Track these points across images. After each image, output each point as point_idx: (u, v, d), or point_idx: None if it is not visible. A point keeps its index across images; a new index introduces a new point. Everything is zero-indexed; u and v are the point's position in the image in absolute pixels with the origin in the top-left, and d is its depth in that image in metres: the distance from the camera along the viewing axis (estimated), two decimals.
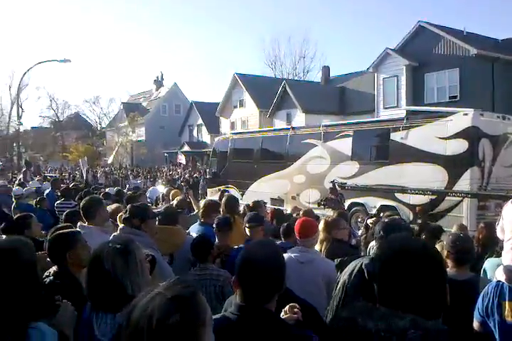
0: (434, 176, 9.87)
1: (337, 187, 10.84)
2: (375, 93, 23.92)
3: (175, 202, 6.34)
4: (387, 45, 24.36)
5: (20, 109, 26.62)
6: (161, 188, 12.96)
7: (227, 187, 15.76)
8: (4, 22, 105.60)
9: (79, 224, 3.85)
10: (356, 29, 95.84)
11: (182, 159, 33.17)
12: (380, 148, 11.89)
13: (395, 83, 22.79)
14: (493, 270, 3.75)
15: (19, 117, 26.41)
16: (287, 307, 2.03)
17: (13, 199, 8.40)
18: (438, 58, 21.15)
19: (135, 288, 1.92)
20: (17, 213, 6.09)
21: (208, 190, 17.22)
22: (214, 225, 4.28)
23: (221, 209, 5.36)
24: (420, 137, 10.45)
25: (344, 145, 12.25)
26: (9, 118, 49.06)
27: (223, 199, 6.00)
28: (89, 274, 2.05)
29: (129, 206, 3.56)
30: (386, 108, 22.87)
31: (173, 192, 8.60)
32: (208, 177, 18.82)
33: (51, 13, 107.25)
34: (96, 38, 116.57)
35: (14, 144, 39.10)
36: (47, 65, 28.06)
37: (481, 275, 3.62)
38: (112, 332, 1.92)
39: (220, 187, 16.06)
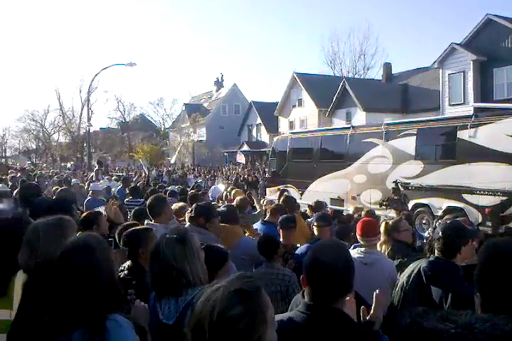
0: (505, 176, 9.35)
1: (400, 187, 10.56)
2: (440, 90, 22.99)
3: (236, 201, 6.44)
4: (452, 39, 23.39)
5: (90, 111, 28.04)
6: (222, 187, 13.22)
7: (286, 187, 15.78)
8: (74, 30, 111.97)
9: (146, 222, 4.02)
10: (419, 24, 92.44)
11: (241, 159, 33.56)
12: (446, 146, 11.43)
13: (462, 79, 21.78)
14: None
15: (89, 119, 27.89)
16: (363, 307, 2.04)
17: (89, 195, 8.88)
18: (508, 52, 19.97)
19: (194, 274, 2.08)
20: (88, 209, 6.44)
21: (266, 189, 17.34)
22: (278, 224, 4.32)
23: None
24: (489, 135, 9.94)
25: (407, 144, 11.89)
26: (80, 119, 52.08)
27: (281, 199, 6.05)
28: (151, 264, 2.19)
29: (194, 205, 3.68)
30: (452, 105, 21.92)
31: (234, 191, 8.73)
32: (267, 176, 18.94)
33: (117, 19, 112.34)
34: (159, 42, 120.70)
35: (84, 145, 41.35)
36: (114, 69, 29.43)
37: None
38: (175, 316, 2.03)
39: (279, 187, 16.12)
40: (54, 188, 8.98)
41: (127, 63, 23.41)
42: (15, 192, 8.00)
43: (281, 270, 3.54)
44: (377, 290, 2.15)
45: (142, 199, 8.55)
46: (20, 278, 2.51)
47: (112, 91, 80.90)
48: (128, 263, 2.97)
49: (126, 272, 2.92)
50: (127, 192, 9.58)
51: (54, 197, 5.21)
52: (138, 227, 3.09)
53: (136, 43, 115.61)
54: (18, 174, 16.79)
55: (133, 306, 2.17)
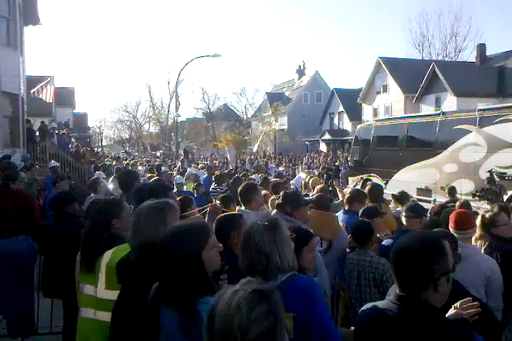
0: None
1: (495, 177, 9.86)
2: None
3: (315, 190, 6.40)
4: None
5: (177, 102, 29.23)
6: (303, 176, 13.22)
7: (370, 176, 15.39)
8: (161, 22, 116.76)
9: (237, 208, 4.16)
10: None
11: (323, 147, 33.23)
12: None
13: None
14: None
15: (177, 109, 29.08)
16: (458, 303, 1.95)
17: (175, 187, 9.34)
18: None
19: (283, 259, 2.15)
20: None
21: (349, 178, 17.04)
22: (361, 213, 4.26)
23: (365, 200, 5.30)
24: None
25: (504, 131, 11.01)
26: (168, 110, 54.57)
27: (367, 188, 5.92)
28: (242, 249, 2.27)
29: (282, 192, 3.74)
30: None
31: (312, 179, 8.64)
32: (350, 165, 18.59)
33: (201, 11, 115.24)
34: (241, 32, 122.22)
35: (172, 134, 43.30)
36: (199, 60, 30.31)
37: None
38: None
39: (362, 176, 15.77)
40: (148, 175, 9.52)
41: (212, 54, 24.03)
42: (111, 178, 8.65)
43: (375, 257, 3.52)
44: (465, 299, 2.02)
45: (225, 187, 8.83)
46: (106, 259, 2.75)
47: (197, 83, 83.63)
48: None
49: None
50: (213, 179, 9.91)
51: (152, 184, 5.55)
52: (230, 213, 3.22)
53: (220, 34, 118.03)
54: (114, 162, 18.05)
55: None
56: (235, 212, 3.82)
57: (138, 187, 4.14)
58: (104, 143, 66.71)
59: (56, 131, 18.62)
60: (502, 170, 10.41)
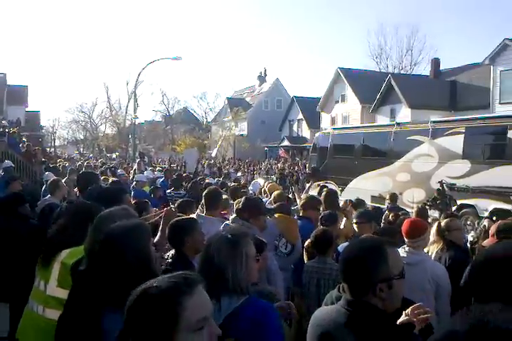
0: None
1: (445, 187, 10.27)
2: (491, 87, 22.10)
3: (273, 196, 6.42)
4: (505, 35, 22.26)
5: (136, 103, 28.69)
6: (261, 181, 13.27)
7: (327, 183, 15.65)
8: (122, 23, 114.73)
9: (197, 213, 4.11)
10: (470, 18, 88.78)
11: (283, 154, 33.54)
12: (495, 146, 11.01)
13: None
14: None
15: (135, 111, 28.55)
16: (409, 309, 1.99)
17: (133, 186, 9.16)
18: None
19: (234, 279, 1.96)
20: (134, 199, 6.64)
21: (306, 185, 17.25)
22: (320, 220, 4.32)
23: (320, 208, 5.36)
24: None
25: (455, 142, 11.52)
26: (126, 112, 53.48)
27: (323, 194, 6.01)
28: (200, 258, 2.22)
29: (243, 198, 3.74)
30: (503, 103, 21.03)
31: (269, 185, 8.67)
32: (307, 172, 18.84)
33: (163, 14, 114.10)
34: (204, 36, 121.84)
35: (129, 136, 42.42)
36: (160, 63, 29.95)
37: None
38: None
39: (319, 183, 16.01)
40: (102, 178, 9.28)
41: (173, 57, 23.80)
42: (64, 180, 8.36)
43: (334, 265, 3.55)
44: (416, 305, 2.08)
45: (183, 192, 8.74)
46: (62, 256, 2.71)
47: (157, 85, 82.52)
48: (172, 252, 3.06)
49: (170, 261, 3.00)
50: (170, 183, 9.78)
51: (107, 187, 5.40)
52: (184, 217, 3.18)
53: (181, 37, 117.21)
54: (67, 163, 17.46)
55: None
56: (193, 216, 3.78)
57: (93, 190, 4.02)
58: (57, 144, 64.62)
59: (6, 130, 17.84)
60: (452, 181, 10.85)
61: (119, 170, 13.37)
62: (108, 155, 44.79)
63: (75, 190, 5.63)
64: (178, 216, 3.66)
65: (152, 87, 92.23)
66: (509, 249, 1.42)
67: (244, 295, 1.98)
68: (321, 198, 5.71)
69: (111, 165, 17.39)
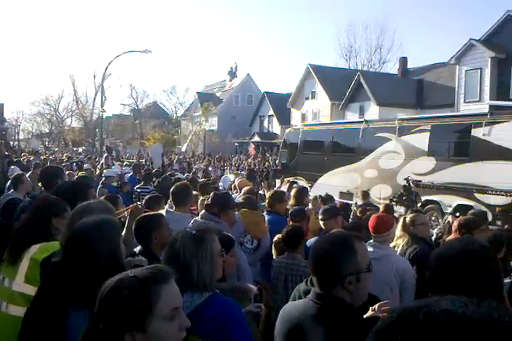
0: None
1: (411, 184, 10.51)
2: (456, 86, 22.70)
3: (243, 191, 6.43)
4: (470, 35, 22.87)
5: (103, 97, 28.09)
6: (231, 177, 13.26)
7: (296, 179, 15.79)
8: (91, 14, 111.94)
9: (166, 209, 4.05)
10: (437, 19, 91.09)
11: (253, 149, 33.57)
12: (459, 144, 11.32)
13: (479, 76, 21.45)
14: None
15: (102, 105, 27.95)
16: (376, 305, 2.02)
17: (102, 181, 8.96)
18: None
19: (198, 275, 1.97)
20: (103, 194, 6.51)
21: (276, 180, 17.34)
22: (290, 215, 4.34)
23: (287, 199, 5.40)
24: (504, 134, 9.81)
25: (420, 140, 11.80)
26: (93, 105, 52.35)
27: (293, 191, 6.05)
28: (164, 254, 2.19)
29: (212, 194, 3.71)
30: (467, 102, 21.65)
31: (239, 181, 8.67)
32: (277, 168, 18.94)
33: (133, 5, 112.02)
34: (174, 30, 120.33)
35: (96, 130, 41.59)
36: (129, 56, 29.43)
37: None
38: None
39: (288, 179, 16.13)
40: (68, 172, 9.06)
41: (142, 50, 23.41)
42: (28, 174, 8.11)
43: (303, 261, 3.56)
44: (383, 302, 2.11)
45: (152, 187, 8.62)
46: (31, 252, 2.64)
47: (125, 78, 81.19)
48: (139, 247, 3.02)
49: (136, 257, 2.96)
50: (138, 178, 9.64)
51: (72, 182, 5.26)
52: (151, 213, 3.13)
53: (152, 30, 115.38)
54: (32, 157, 16.97)
55: None
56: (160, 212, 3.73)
57: (58, 185, 3.91)
58: (21, 137, 62.74)
59: None
60: (417, 178, 11.10)
61: (85, 165, 13.07)
62: (74, 149, 43.79)
63: (39, 184, 5.47)
64: (146, 212, 3.60)
65: (120, 80, 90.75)
66: (465, 244, 1.45)
67: (208, 292, 1.97)
68: (292, 194, 5.74)
69: (77, 160, 17.00)
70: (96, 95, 50.36)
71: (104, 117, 32.40)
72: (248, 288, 2.53)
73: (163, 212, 3.91)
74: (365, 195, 8.95)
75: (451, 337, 0.65)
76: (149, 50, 23.31)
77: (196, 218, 3.60)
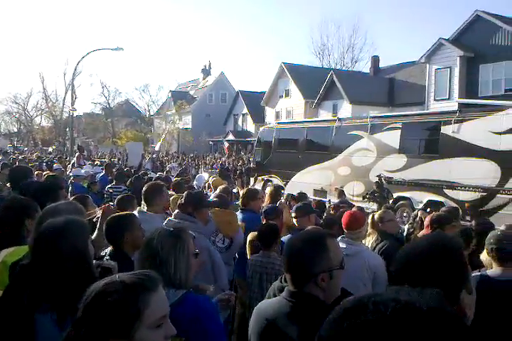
0: (486, 172, 9.53)
1: (383, 180, 10.67)
2: (426, 84, 23.15)
3: (218, 190, 6.40)
4: (440, 35, 23.45)
5: (73, 95, 27.53)
6: (206, 175, 13.19)
7: (271, 177, 15.84)
8: (59, 11, 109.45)
9: (139, 209, 3.98)
10: (408, 18, 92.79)
11: (227, 148, 33.48)
12: (429, 141, 11.57)
13: (448, 74, 21.94)
14: None
15: (73, 103, 27.39)
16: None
17: (71, 181, 8.79)
18: (495, 49, 20.17)
19: (175, 271, 1.98)
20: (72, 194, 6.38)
21: (251, 179, 17.38)
22: (263, 213, 4.34)
23: (261, 197, 5.40)
24: (473, 131, 10.09)
25: (392, 137, 12.00)
26: (63, 104, 51.28)
27: (269, 189, 6.06)
28: (140, 252, 2.16)
29: (185, 193, 3.67)
30: (437, 100, 22.12)
31: (213, 179, 8.62)
32: (251, 166, 18.96)
33: (105, 2, 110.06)
34: (147, 27, 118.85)
35: (67, 129, 40.75)
36: (100, 53, 28.95)
37: None
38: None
39: (263, 177, 16.17)
40: (36, 172, 8.86)
41: (114, 48, 23.00)
42: None
43: (277, 260, 3.56)
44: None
45: (124, 186, 8.49)
46: (1, 256, 2.57)
47: (97, 76, 79.77)
48: (109, 248, 2.96)
49: (107, 258, 2.90)
50: (110, 178, 9.48)
51: (42, 182, 5.13)
52: (121, 213, 3.08)
53: (124, 28, 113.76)
54: (0, 157, 16.51)
55: None
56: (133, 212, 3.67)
57: (26, 185, 3.81)
58: None
59: None
60: (389, 175, 11.29)
61: (55, 165, 12.78)
62: (44, 148, 42.79)
63: (8, 185, 5.32)
64: (117, 212, 3.54)
65: (92, 78, 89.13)
66: (433, 239, 1.47)
67: (182, 289, 1.97)
68: (267, 192, 5.75)
69: (47, 160, 16.61)
70: (66, 93, 49.40)
71: (74, 116, 31.76)
72: (205, 287, 2.51)
73: (136, 212, 3.85)
74: (341, 193, 9.05)
75: (395, 322, 0.72)
76: (121, 47, 22.93)
77: (170, 218, 3.55)
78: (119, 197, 4.87)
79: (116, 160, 26.36)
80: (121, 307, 1.24)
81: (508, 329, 2.76)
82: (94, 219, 4.07)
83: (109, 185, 8.59)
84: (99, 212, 3.82)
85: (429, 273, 1.29)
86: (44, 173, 8.43)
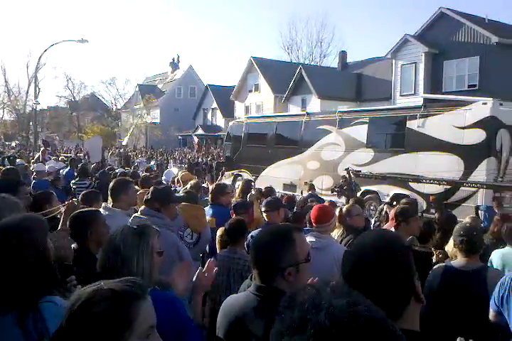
0: (450, 166, 9.78)
1: (351, 174, 10.81)
2: (393, 80, 23.58)
3: (189, 185, 6.35)
4: (407, 31, 23.87)
5: (37, 88, 26.68)
6: (175, 170, 13.05)
7: (240, 172, 15.82)
8: (23, 1, 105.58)
9: (103, 205, 3.88)
10: (376, 14, 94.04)
11: (197, 142, 33.20)
12: (395, 136, 11.79)
13: (413, 70, 22.41)
14: (498, 260, 3.78)
15: (36, 96, 26.56)
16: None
17: (33, 176, 8.55)
18: (458, 46, 20.71)
19: (138, 269, 1.95)
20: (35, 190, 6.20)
21: (220, 173, 17.28)
22: (233, 208, 4.32)
23: (231, 191, 5.39)
24: (437, 126, 10.33)
25: (359, 132, 12.17)
26: (26, 97, 49.63)
27: (240, 184, 6.05)
28: (103, 248, 2.12)
29: (151, 188, 3.60)
30: (403, 95, 22.56)
31: (182, 174, 8.55)
32: (221, 161, 18.87)
33: None
34: (114, 19, 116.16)
35: (31, 123, 39.54)
36: (64, 45, 28.15)
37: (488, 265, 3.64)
38: None
39: (233, 172, 16.13)
40: None
41: (79, 39, 22.38)
42: None
43: (244, 255, 3.54)
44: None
45: (89, 181, 8.31)
46: None
47: (61, 68, 77.57)
48: (73, 245, 2.88)
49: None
50: (75, 173, 9.25)
51: (3, 178, 4.94)
52: (86, 209, 3.00)
53: (89, 19, 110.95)
54: None
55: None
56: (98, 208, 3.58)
57: None
58: None
59: None
60: (357, 168, 11.45)
61: (18, 160, 12.38)
62: (7, 143, 41.37)
63: None
64: (82, 208, 3.44)
65: (56, 71, 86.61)
66: (377, 237, 1.46)
67: (147, 285, 1.92)
68: (237, 187, 5.74)
69: (9, 154, 16.05)
70: (29, 86, 47.78)
71: (38, 110, 30.83)
72: (168, 281, 2.50)
73: (101, 208, 3.76)
74: (311, 187, 9.12)
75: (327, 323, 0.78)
76: (86, 39, 22.32)
77: (136, 214, 3.48)
78: (84, 192, 4.75)
79: (81, 155, 25.75)
80: (111, 316, 1.18)
81: (472, 318, 2.84)
82: (59, 215, 3.97)
83: (73, 181, 8.38)
84: (63, 208, 3.72)
85: (376, 280, 1.27)
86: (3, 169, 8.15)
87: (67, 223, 2.97)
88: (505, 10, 78.07)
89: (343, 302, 0.82)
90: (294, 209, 6.92)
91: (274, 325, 0.88)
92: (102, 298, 1.19)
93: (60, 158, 16.30)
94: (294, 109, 27.61)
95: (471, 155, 9.62)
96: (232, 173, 16.17)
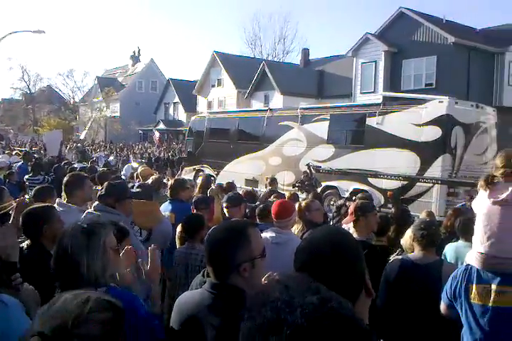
0: (407, 162, 10.06)
1: (312, 169, 10.93)
2: (353, 78, 23.96)
3: (150, 180, 6.25)
4: (369, 29, 24.33)
5: None
6: (135, 166, 12.80)
7: (203, 167, 15.72)
8: None
9: (57, 201, 3.75)
10: (338, 12, 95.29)
11: (158, 137, 32.64)
12: (355, 132, 12.01)
13: (373, 68, 22.85)
14: (451, 253, 3.92)
15: None
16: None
17: None
18: (416, 45, 21.25)
19: (89, 271, 1.88)
20: None
21: (182, 169, 17.11)
22: (193, 204, 4.27)
23: (192, 187, 5.34)
24: (395, 123, 10.60)
25: (320, 128, 12.32)
26: None
27: (200, 179, 5.99)
28: (54, 248, 2.03)
29: (105, 184, 3.49)
30: (363, 93, 22.98)
31: (141, 169, 8.38)
32: (183, 156, 18.68)
33: None
34: (72, 10, 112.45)
35: None
36: (20, 35, 27.03)
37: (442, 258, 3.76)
38: None
39: (195, 167, 16.00)
40: None
41: (35, 30, 21.52)
42: None
43: (202, 251, 3.51)
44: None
45: (42, 177, 8.04)
46: None
47: (16, 60, 74.47)
48: (27, 242, 2.78)
49: (25, 252, 2.72)
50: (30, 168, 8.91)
51: None
52: (39, 205, 2.88)
53: (46, 10, 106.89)
54: None
55: (21, 291, 2.05)
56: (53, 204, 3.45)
57: None
58: None
59: None
60: (318, 164, 11.60)
61: None
62: None
63: None
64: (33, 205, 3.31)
65: (10, 62, 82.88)
66: (327, 234, 1.47)
67: (101, 288, 1.86)
68: (198, 183, 5.68)
69: None
70: None
71: None
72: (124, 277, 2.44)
73: (55, 204, 3.62)
74: (273, 181, 9.14)
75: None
76: (42, 30, 21.48)
77: (89, 210, 3.37)
78: (37, 187, 4.59)
79: (37, 149, 24.85)
80: (108, 336, 1.15)
81: (426, 310, 2.92)
82: (11, 211, 3.80)
83: (27, 176, 8.08)
84: (15, 204, 3.57)
85: (328, 274, 1.27)
86: None
87: (20, 220, 2.85)
88: (462, 11, 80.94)
89: (314, 300, 0.82)
90: (257, 204, 6.93)
91: (243, 323, 0.84)
92: (98, 319, 1.13)
93: (14, 152, 15.68)
94: (257, 104, 27.64)
95: (427, 152, 9.92)
96: (194, 168, 16.04)
